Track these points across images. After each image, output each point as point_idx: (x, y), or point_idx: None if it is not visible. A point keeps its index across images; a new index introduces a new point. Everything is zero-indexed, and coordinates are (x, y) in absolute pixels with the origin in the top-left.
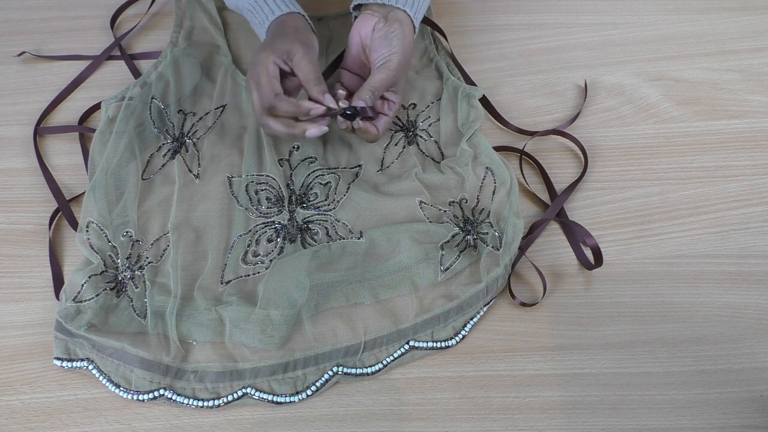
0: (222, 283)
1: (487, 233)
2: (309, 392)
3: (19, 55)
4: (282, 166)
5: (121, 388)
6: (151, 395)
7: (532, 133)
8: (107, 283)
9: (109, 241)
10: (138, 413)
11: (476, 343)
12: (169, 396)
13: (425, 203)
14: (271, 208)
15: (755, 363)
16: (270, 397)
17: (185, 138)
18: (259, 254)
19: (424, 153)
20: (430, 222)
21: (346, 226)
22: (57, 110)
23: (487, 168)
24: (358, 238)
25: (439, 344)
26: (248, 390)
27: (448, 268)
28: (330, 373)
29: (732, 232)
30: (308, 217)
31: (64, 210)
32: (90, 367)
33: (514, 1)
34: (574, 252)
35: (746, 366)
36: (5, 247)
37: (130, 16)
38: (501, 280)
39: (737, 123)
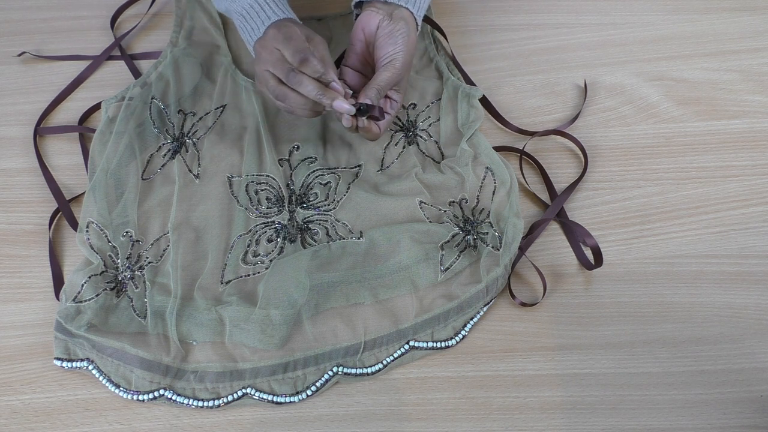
0: (222, 283)
1: (487, 233)
2: (309, 392)
3: (19, 55)
4: (282, 166)
5: (121, 388)
6: (151, 395)
7: (532, 133)
8: (107, 283)
9: (109, 241)
10: (138, 413)
11: (476, 343)
12: (169, 396)
13: (425, 203)
14: (271, 208)
15: (755, 363)
16: (270, 397)
17: (185, 138)
18: (259, 254)
19: (424, 153)
20: (430, 222)
21: (346, 226)
22: (57, 110)
23: (487, 168)
24: (358, 238)
25: (439, 344)
26: (248, 390)
27: (448, 268)
28: (330, 373)
29: (732, 232)
30: (308, 217)
31: (64, 210)
32: (90, 367)
33: (514, 1)
34: (574, 252)
35: (746, 366)
36: (5, 247)
37: (130, 16)
38: (501, 280)
39: (737, 123)
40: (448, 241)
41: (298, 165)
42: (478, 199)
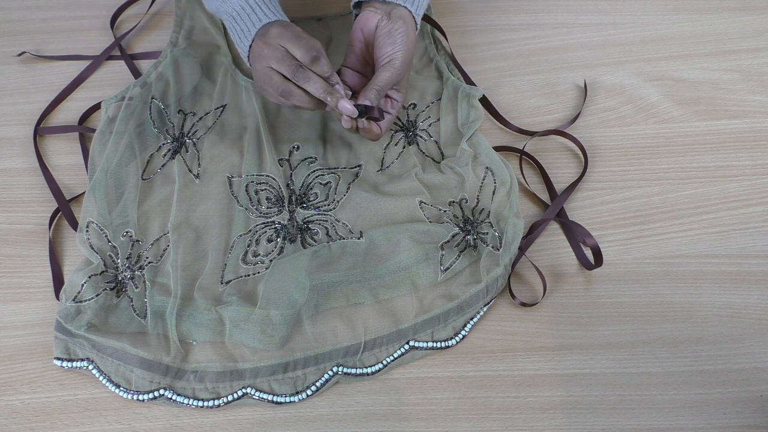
0: (222, 283)
1: (487, 233)
2: (309, 392)
3: (19, 55)
4: (282, 166)
5: (121, 388)
6: (151, 395)
7: (532, 133)
8: (107, 283)
9: (109, 241)
10: (138, 413)
11: (476, 343)
12: (169, 396)
13: (425, 203)
14: (271, 208)
15: (755, 363)
16: (270, 397)
17: (185, 138)
18: (259, 254)
19: (424, 153)
20: (430, 222)
21: (346, 226)
22: (57, 110)
23: (487, 168)
24: (358, 238)
25: (439, 344)
26: (248, 390)
27: (448, 268)
28: (330, 373)
29: (732, 232)
30: (308, 217)
31: (64, 210)
32: (90, 367)
33: (514, 1)
34: (574, 252)
35: (746, 366)
36: (5, 247)
37: (130, 16)
38: (501, 280)
39: (737, 123)
40: (448, 241)
41: (298, 165)
42: (478, 199)
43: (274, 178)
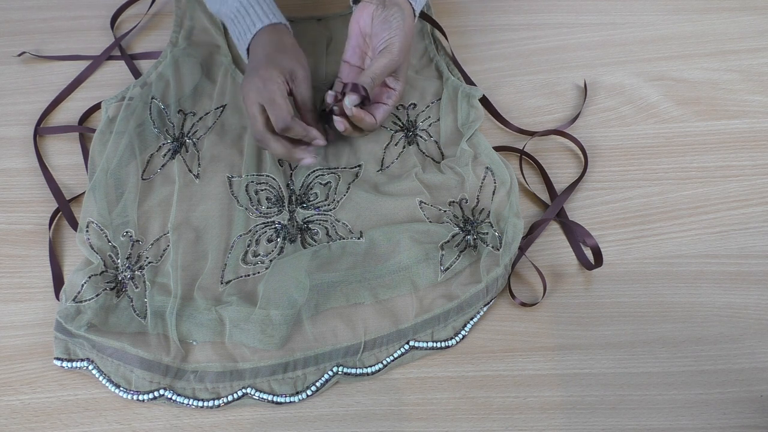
0: (222, 283)
1: (487, 233)
2: (309, 392)
3: (19, 55)
4: (282, 166)
5: (121, 388)
6: (151, 395)
7: (532, 133)
8: (107, 283)
9: (109, 241)
10: (138, 413)
11: (476, 343)
12: (169, 396)
13: (425, 203)
14: (271, 208)
15: (755, 363)
16: (270, 397)
17: (185, 138)
18: (259, 254)
19: (424, 153)
20: (430, 222)
21: (346, 226)
22: (57, 110)
23: (487, 168)
24: (358, 238)
25: (439, 344)
26: (248, 390)
27: (448, 268)
28: (330, 373)
29: (732, 232)
30: (308, 217)
31: (64, 210)
32: (90, 367)
33: (514, 1)
34: (574, 252)
35: (746, 366)
36: (5, 247)
37: (130, 16)
38: (501, 280)
39: (737, 123)
40: (448, 241)
41: (298, 165)
42: (478, 199)
43: (274, 178)
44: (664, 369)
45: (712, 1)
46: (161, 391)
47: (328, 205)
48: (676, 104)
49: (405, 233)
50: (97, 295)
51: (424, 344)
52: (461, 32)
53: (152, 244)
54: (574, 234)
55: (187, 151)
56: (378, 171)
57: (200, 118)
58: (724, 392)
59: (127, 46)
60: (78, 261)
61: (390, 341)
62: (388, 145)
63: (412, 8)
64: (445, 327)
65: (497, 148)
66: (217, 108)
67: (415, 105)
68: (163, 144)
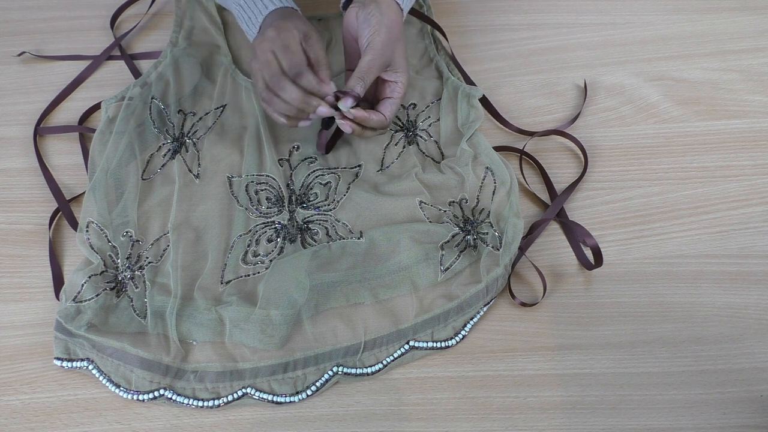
0: (222, 283)
1: (487, 233)
2: (309, 392)
3: (19, 55)
4: (282, 166)
5: (121, 388)
6: (151, 395)
7: (532, 133)
8: (107, 283)
9: (109, 241)
10: (138, 413)
11: (476, 343)
12: (169, 396)
13: (425, 203)
14: (271, 208)
15: (755, 363)
16: (270, 397)
17: (185, 138)
18: (259, 254)
19: (424, 153)
20: (430, 222)
21: (346, 226)
22: (57, 110)
23: (487, 168)
24: (358, 238)
25: (439, 344)
26: (248, 390)
27: (448, 268)
28: (330, 373)
29: (732, 232)
30: (308, 217)
31: (64, 210)
32: (90, 367)
33: (514, 1)
34: (574, 252)
35: (746, 366)
36: (5, 247)
37: (130, 16)
38: (501, 280)
39: (737, 123)
40: (448, 241)
41: (298, 165)
42: (478, 199)
43: (274, 178)
44: (664, 369)
45: (712, 1)
46: (161, 391)
47: (328, 205)
48: (676, 104)
49: (405, 233)
50: (97, 295)
51: (424, 344)
52: (461, 32)
53: (152, 244)
54: (574, 234)
55: (187, 151)
56: (378, 171)
57: (200, 118)
58: (724, 392)
59: (127, 46)
60: (78, 261)
61: (390, 341)
62: (388, 145)
63: (396, 2)
64: (445, 327)
65: (497, 148)
66: (217, 108)
67: (415, 105)
68: (163, 144)
